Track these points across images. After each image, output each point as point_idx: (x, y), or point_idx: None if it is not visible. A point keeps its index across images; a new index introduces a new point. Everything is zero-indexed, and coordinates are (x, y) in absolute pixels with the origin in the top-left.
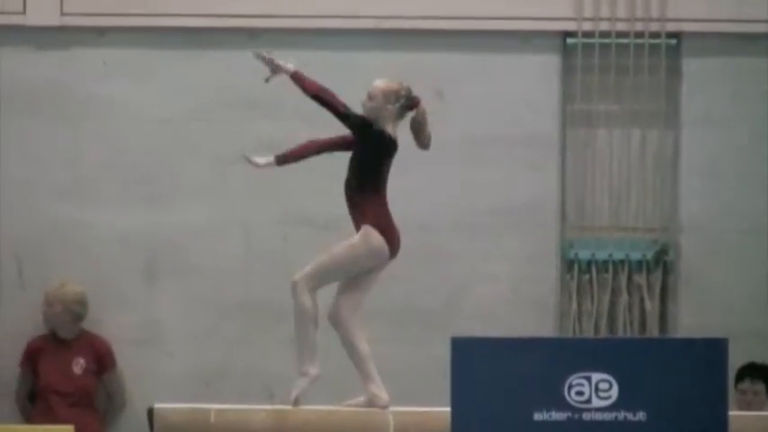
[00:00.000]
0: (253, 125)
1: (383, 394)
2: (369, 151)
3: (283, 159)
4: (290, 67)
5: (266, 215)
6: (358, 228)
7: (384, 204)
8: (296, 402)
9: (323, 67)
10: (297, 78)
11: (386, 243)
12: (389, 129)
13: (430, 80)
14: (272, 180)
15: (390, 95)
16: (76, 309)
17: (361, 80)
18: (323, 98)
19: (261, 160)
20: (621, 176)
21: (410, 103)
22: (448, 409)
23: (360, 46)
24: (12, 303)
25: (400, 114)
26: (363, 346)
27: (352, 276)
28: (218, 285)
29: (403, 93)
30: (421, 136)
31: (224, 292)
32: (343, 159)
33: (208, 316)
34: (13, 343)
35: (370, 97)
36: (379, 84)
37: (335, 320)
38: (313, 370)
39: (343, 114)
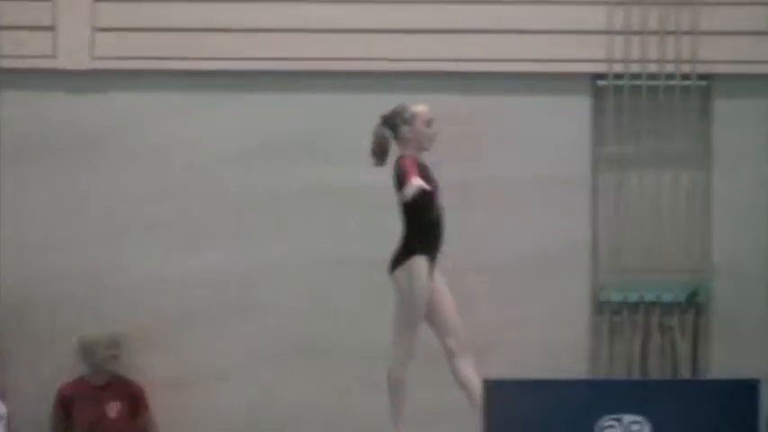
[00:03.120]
0: (294, 167)
1: None
2: None
3: None
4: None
5: (303, 257)
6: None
7: None
8: None
9: (360, 108)
10: None
11: None
12: None
13: (463, 122)
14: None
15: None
16: (110, 353)
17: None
18: None
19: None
20: (653, 218)
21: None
22: None
23: (392, 88)
24: (45, 349)
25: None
26: None
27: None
28: (256, 329)
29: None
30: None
31: (261, 335)
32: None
33: (243, 359)
34: (46, 389)
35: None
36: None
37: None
38: None
39: None
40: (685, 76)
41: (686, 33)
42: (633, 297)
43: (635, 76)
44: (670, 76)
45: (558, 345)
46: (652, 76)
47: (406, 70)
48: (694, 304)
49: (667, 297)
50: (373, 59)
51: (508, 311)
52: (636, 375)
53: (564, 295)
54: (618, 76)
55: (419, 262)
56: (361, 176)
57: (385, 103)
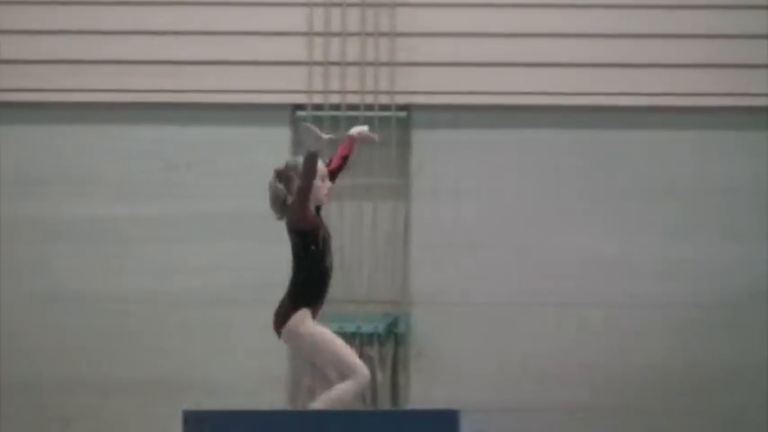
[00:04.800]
0: None
1: None
2: None
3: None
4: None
5: None
6: None
7: None
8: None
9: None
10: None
11: None
12: None
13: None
14: None
15: None
16: None
17: None
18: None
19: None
20: (353, 250)
21: None
22: None
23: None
24: None
25: None
26: None
27: None
28: None
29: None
30: None
31: None
32: None
33: None
34: None
35: None
36: None
37: None
38: None
39: None
40: (384, 107)
41: (385, 65)
42: (333, 328)
43: (334, 107)
44: (369, 107)
45: (258, 376)
46: (352, 107)
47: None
48: (393, 335)
49: (367, 328)
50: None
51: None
52: None
53: (262, 326)
54: (317, 107)
55: (304, 316)
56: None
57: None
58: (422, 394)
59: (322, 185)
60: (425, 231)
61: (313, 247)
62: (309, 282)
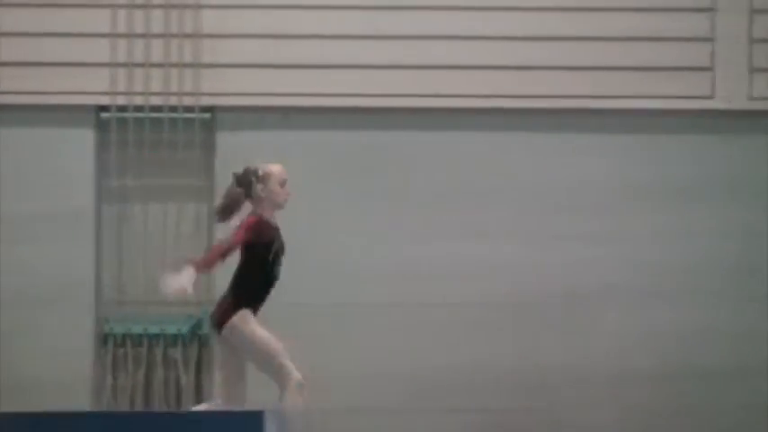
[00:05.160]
0: None
1: None
2: None
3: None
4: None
5: None
6: None
7: None
8: None
9: None
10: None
11: None
12: None
13: None
14: None
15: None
16: None
17: None
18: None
19: (175, 284)
20: (157, 251)
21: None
22: None
23: None
24: None
25: None
26: None
27: None
28: None
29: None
30: None
31: None
32: None
33: None
34: None
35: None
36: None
37: None
38: None
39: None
40: (189, 109)
41: (189, 66)
42: (137, 329)
43: (138, 108)
44: (173, 109)
45: (63, 377)
46: (156, 109)
47: None
48: (198, 336)
49: (171, 329)
50: None
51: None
52: (139, 408)
53: (68, 328)
54: (121, 109)
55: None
56: None
57: None
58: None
59: (281, 191)
60: (229, 232)
61: (271, 257)
62: (255, 286)
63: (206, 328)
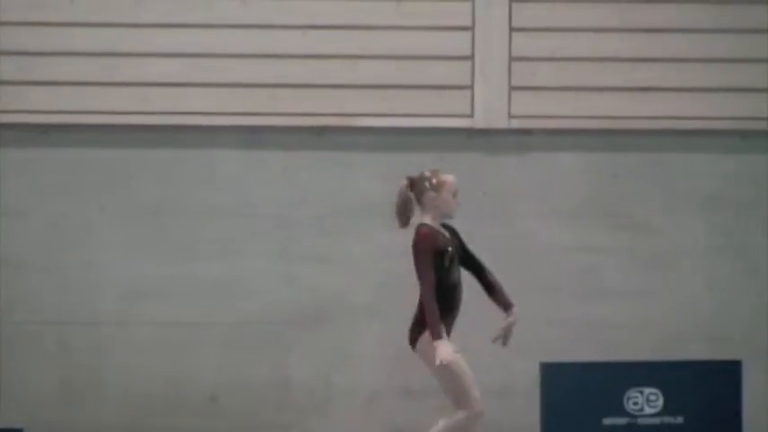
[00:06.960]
0: None
1: None
2: None
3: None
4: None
5: None
6: None
7: None
8: None
9: None
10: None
11: None
12: None
13: None
14: None
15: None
16: None
17: None
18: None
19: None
20: None
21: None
22: None
23: None
24: None
25: None
26: None
27: None
28: None
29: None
30: None
31: None
32: None
33: None
34: None
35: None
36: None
37: None
38: None
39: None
40: None
41: None
42: None
43: None
44: None
45: None
46: None
47: None
48: None
49: None
50: None
51: None
52: None
53: None
54: None
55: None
56: None
57: None
58: None
59: (452, 201)
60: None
61: (447, 263)
62: (438, 297)
63: None
